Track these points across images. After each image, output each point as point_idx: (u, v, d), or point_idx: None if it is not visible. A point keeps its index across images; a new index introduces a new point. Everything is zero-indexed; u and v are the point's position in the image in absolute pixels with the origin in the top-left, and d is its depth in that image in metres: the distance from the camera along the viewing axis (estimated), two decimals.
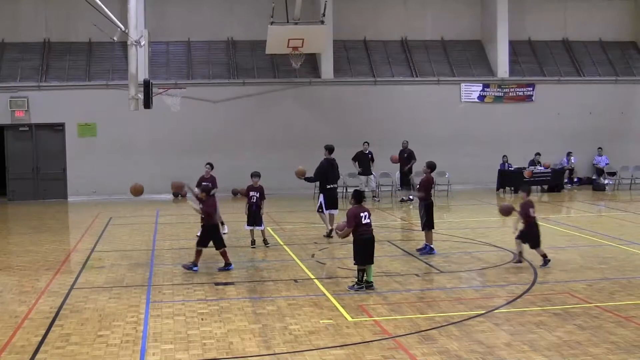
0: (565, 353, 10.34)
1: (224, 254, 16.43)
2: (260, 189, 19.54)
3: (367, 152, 30.69)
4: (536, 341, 10.88)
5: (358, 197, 14.53)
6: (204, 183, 20.25)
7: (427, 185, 18.17)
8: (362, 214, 14.22)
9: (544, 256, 16.40)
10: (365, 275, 14.26)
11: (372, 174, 31.25)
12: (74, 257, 18.74)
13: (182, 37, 35.05)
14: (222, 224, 20.61)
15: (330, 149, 21.88)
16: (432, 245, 18.07)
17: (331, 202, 21.25)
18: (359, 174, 30.58)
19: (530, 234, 16.67)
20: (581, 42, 38.06)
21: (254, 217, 19.45)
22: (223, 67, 34.79)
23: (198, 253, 16.32)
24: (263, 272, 16.40)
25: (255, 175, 19.80)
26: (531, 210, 16.75)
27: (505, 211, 17.60)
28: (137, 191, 17.79)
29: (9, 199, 32.78)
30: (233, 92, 33.37)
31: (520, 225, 16.81)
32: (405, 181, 30.67)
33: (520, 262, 16.68)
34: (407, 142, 31.18)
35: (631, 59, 38.17)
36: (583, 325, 11.64)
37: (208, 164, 21.37)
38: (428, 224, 18.02)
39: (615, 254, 17.90)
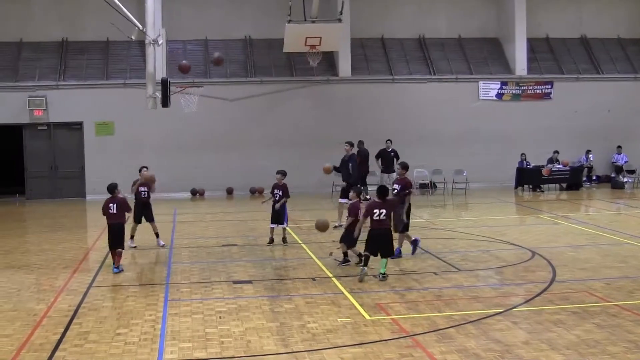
0: (584, 352, 10.29)
1: (116, 255, 16.53)
2: (283, 187, 19.70)
3: (390, 149, 30.60)
4: (554, 340, 10.84)
5: (383, 192, 15.35)
6: (141, 188, 19.93)
7: (410, 187, 17.77)
8: (375, 210, 15.00)
9: (359, 255, 16.10)
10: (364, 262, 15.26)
11: (394, 171, 31.09)
12: (92, 255, 18.81)
13: (199, 36, 35.09)
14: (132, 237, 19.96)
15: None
16: (401, 248, 17.69)
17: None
18: (382, 171, 30.50)
19: (347, 233, 16.45)
20: (599, 39, 37.86)
21: (276, 215, 19.59)
22: (240, 66, 34.81)
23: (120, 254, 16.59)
24: (281, 271, 16.41)
25: (279, 172, 20.01)
26: (359, 212, 16.26)
27: (322, 226, 17.43)
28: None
29: (27, 197, 32.95)
30: (250, 90, 33.39)
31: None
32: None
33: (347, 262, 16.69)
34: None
35: None
36: (601, 324, 11.58)
37: (144, 167, 20.57)
38: (407, 227, 17.61)
39: (634, 253, 17.80)
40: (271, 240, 19.61)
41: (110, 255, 16.70)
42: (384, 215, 15.08)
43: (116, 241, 16.52)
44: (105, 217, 16.85)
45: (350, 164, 22.66)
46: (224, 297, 13.83)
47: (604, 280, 14.76)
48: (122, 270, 16.38)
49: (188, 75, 29.14)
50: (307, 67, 29.88)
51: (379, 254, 15.17)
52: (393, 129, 32.39)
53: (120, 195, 16.97)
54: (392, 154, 30.55)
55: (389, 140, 30.63)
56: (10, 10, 33.76)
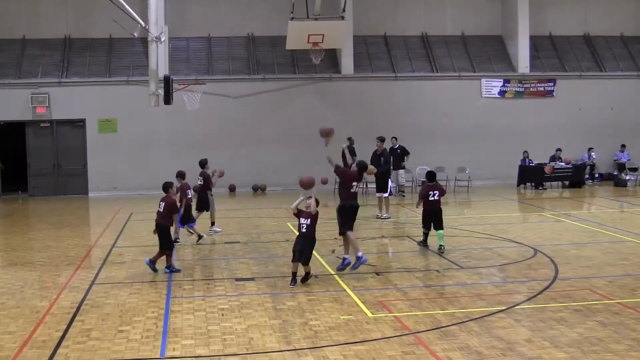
0: (586, 349, 10.29)
1: (167, 256, 16.06)
2: (181, 188, 19.52)
3: (397, 147, 30.55)
4: (557, 337, 10.84)
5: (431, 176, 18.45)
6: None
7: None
8: (430, 192, 18.05)
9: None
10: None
11: (403, 168, 31.11)
12: (95, 252, 18.82)
13: (202, 33, 35.09)
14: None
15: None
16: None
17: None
18: (392, 168, 30.34)
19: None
20: (602, 37, 37.81)
21: (184, 216, 19.46)
22: (243, 63, 34.81)
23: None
24: (283, 268, 16.37)
25: (177, 175, 20.07)
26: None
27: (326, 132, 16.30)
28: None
29: (30, 194, 32.99)
30: (253, 87, 33.40)
31: None
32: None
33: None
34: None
35: None
36: (604, 322, 11.58)
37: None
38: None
39: (637, 250, 17.80)
40: (176, 240, 19.44)
41: (111, 252, 16.54)
42: (438, 196, 18.02)
43: (161, 242, 16.05)
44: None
45: (383, 158, 24.32)
46: (226, 295, 13.84)
47: (606, 278, 14.76)
48: (179, 270, 15.97)
49: (191, 73, 29.17)
50: (310, 64, 29.83)
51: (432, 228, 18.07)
52: (395, 126, 32.29)
53: (173, 196, 16.55)
54: (399, 150, 30.53)
55: (394, 137, 30.57)
56: (14, 8, 33.77)
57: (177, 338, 11.12)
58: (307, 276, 14.64)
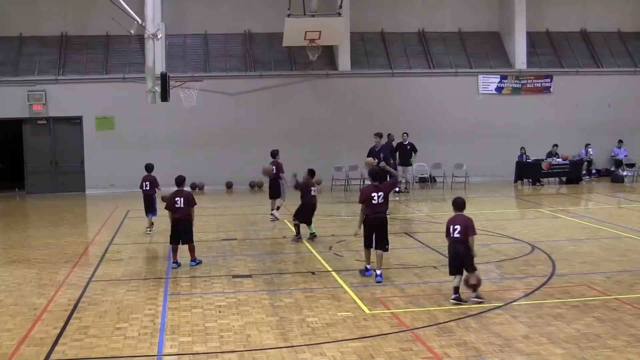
0: (584, 345, 10.29)
1: (190, 250, 16.32)
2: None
3: (407, 143, 30.62)
4: (554, 334, 10.84)
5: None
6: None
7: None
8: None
9: None
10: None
11: (411, 165, 31.21)
12: (92, 250, 18.82)
13: (199, 30, 35.06)
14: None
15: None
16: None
17: None
18: (399, 164, 30.40)
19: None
20: (600, 33, 37.81)
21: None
22: (240, 60, 34.79)
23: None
24: (280, 265, 16.40)
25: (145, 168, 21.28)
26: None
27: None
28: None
29: (27, 192, 32.95)
30: (250, 84, 33.37)
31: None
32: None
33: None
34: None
35: None
36: (602, 318, 11.58)
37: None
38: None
39: (634, 246, 17.81)
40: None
41: (108, 249, 16.54)
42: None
43: (186, 237, 16.12)
44: (169, 212, 16.35)
45: (382, 154, 24.14)
46: (223, 292, 13.84)
47: (604, 274, 14.76)
48: (201, 262, 16.30)
49: (188, 70, 29.15)
50: (307, 61, 29.81)
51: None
52: (393, 123, 32.26)
53: (186, 189, 16.51)
54: (409, 147, 30.64)
55: (405, 133, 30.71)
56: (11, 5, 33.72)
57: (174, 335, 11.12)
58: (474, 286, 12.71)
